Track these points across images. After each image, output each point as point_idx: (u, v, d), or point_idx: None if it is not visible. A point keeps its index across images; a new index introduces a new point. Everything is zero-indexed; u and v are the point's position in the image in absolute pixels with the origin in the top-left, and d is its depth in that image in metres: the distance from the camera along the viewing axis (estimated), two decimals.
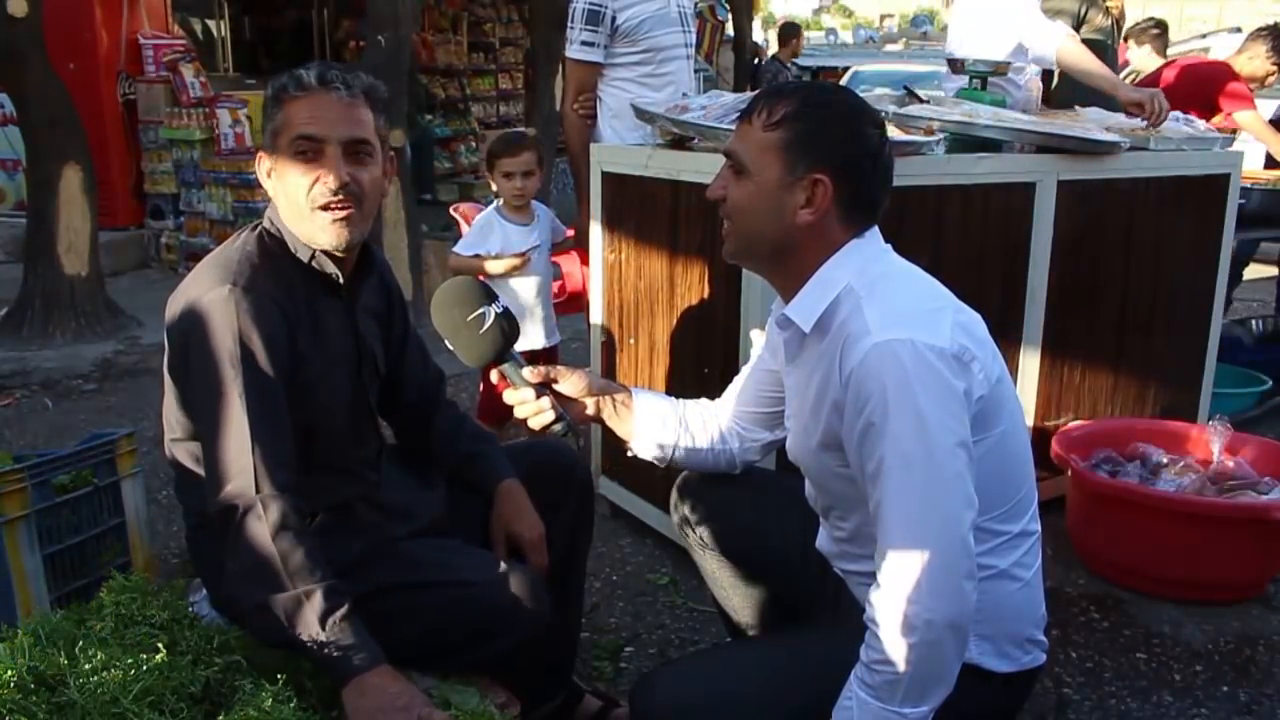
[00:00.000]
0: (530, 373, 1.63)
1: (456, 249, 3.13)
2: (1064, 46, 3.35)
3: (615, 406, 1.73)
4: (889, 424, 1.32)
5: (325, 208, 1.54)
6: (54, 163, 5.14)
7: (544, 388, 1.65)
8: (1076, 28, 4.20)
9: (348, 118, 1.54)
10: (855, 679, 1.36)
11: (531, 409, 1.62)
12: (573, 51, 3.36)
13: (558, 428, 1.63)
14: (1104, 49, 4.28)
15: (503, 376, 1.64)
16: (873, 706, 1.33)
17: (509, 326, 1.62)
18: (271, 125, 1.56)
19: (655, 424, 1.73)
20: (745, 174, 1.45)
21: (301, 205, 1.55)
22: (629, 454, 1.79)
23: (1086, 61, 3.32)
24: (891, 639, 1.30)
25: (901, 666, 1.30)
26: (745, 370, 1.77)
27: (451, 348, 1.64)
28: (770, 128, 1.43)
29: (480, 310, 1.59)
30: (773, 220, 1.44)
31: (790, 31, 10.40)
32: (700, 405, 1.78)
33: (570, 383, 1.69)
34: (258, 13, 10.51)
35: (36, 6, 4.90)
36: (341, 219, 1.55)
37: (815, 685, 1.42)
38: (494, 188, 3.12)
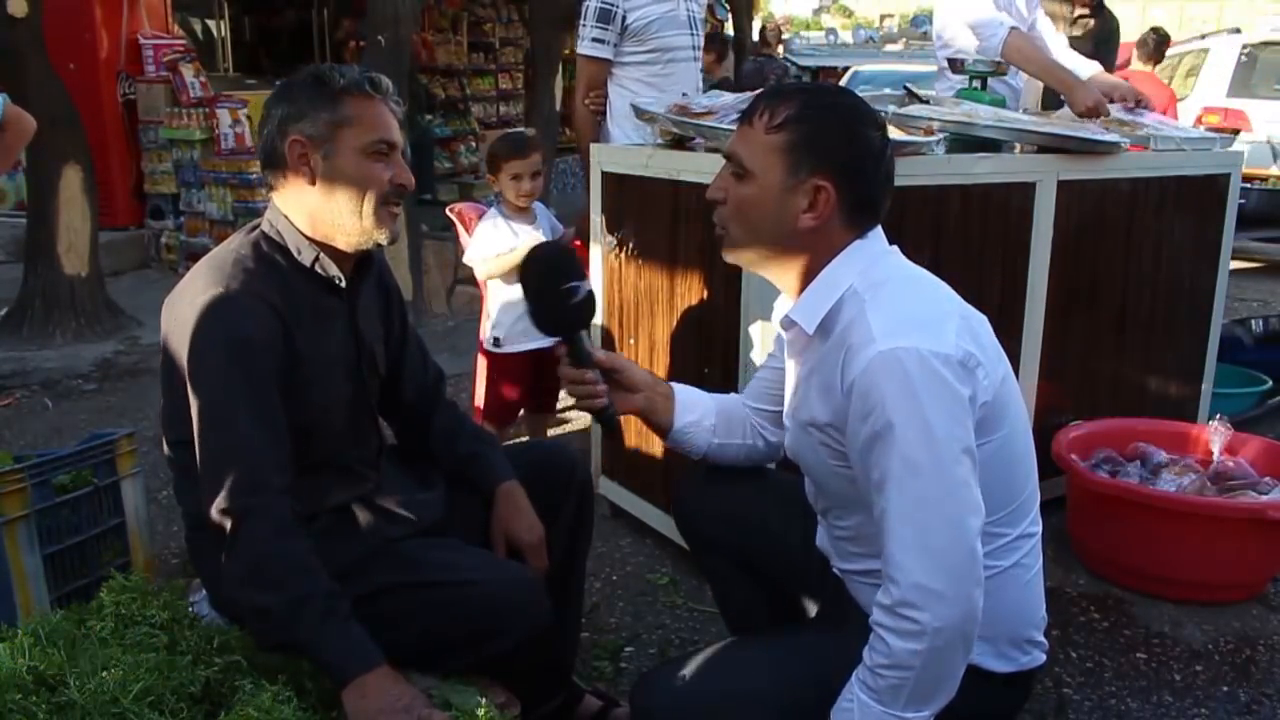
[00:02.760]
0: (600, 354, 1.67)
1: (477, 254, 3.10)
2: (1010, 43, 3.15)
3: (657, 400, 1.75)
4: (894, 432, 1.31)
5: (388, 204, 1.61)
6: (54, 163, 5.14)
7: (601, 372, 1.67)
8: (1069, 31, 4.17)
9: (398, 125, 1.64)
10: (857, 681, 1.36)
11: (588, 390, 1.64)
12: (583, 48, 3.42)
13: (605, 414, 1.67)
14: (1101, 47, 4.27)
15: (569, 351, 1.65)
16: (874, 710, 1.33)
17: (591, 307, 1.64)
18: (328, 116, 1.56)
19: (694, 419, 1.75)
20: (747, 176, 1.45)
21: (363, 200, 1.58)
22: (666, 446, 1.81)
23: (1035, 59, 3.19)
24: (899, 645, 1.30)
25: (907, 672, 1.30)
26: (760, 370, 1.79)
27: (529, 310, 1.65)
28: (772, 130, 1.42)
29: (575, 282, 1.61)
30: (775, 223, 1.44)
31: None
32: (735, 400, 1.80)
33: (629, 376, 1.71)
34: (258, 13, 10.52)
35: (36, 6, 4.90)
36: (397, 214, 1.65)
37: (815, 683, 1.42)
38: (498, 188, 3.12)
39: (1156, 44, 6.19)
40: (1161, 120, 3.24)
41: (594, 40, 3.36)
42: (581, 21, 3.39)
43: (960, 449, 1.32)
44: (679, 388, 1.77)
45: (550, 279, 1.61)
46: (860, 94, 1.63)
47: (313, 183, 1.58)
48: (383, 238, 1.63)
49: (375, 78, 1.61)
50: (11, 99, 2.86)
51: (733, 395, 1.82)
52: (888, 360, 1.32)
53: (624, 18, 3.31)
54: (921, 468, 1.31)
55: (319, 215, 1.60)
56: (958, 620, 1.30)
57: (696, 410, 1.75)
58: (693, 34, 3.44)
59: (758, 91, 1.64)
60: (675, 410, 1.75)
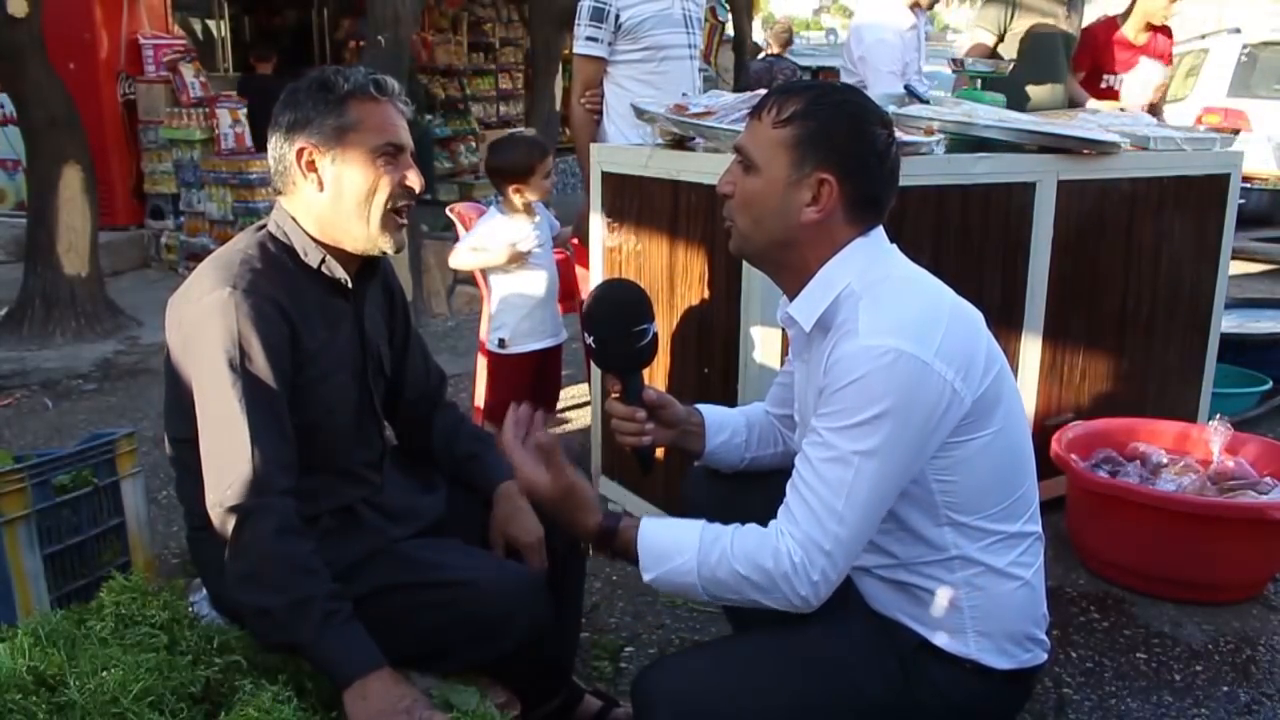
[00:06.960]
0: (650, 393, 1.68)
1: (461, 244, 3.12)
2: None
3: (691, 431, 1.77)
4: (850, 414, 1.34)
5: (397, 210, 1.60)
6: (54, 163, 5.14)
7: (647, 410, 1.68)
8: (1000, 37, 4.47)
9: (407, 129, 1.62)
10: (702, 554, 1.39)
11: (636, 428, 1.66)
12: (578, 47, 3.46)
13: (646, 452, 1.68)
14: (1055, 52, 4.42)
15: (623, 388, 1.66)
16: (689, 582, 1.40)
17: (655, 349, 1.65)
18: (334, 122, 1.55)
19: (724, 438, 1.78)
20: (754, 170, 1.46)
21: (368, 205, 1.57)
22: (695, 464, 1.83)
23: None
24: (777, 582, 1.35)
25: (751, 594, 1.37)
26: (779, 376, 1.81)
27: (593, 346, 1.65)
28: (779, 125, 1.44)
29: (645, 325, 1.62)
30: (779, 217, 1.45)
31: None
32: (759, 410, 1.82)
33: (671, 412, 1.73)
34: (258, 13, 10.50)
35: (36, 6, 4.90)
36: (404, 222, 1.63)
37: (816, 674, 1.43)
38: (516, 192, 3.09)
39: None
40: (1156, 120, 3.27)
41: (588, 39, 3.39)
42: (576, 21, 3.42)
43: (905, 448, 1.35)
44: (706, 410, 1.79)
45: (623, 320, 1.62)
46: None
47: (321, 189, 1.58)
48: (388, 246, 1.62)
49: (381, 79, 1.60)
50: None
51: (757, 405, 1.83)
52: (866, 352, 1.34)
53: (617, 16, 3.33)
54: (860, 453, 1.34)
55: (326, 220, 1.60)
56: (810, 603, 1.35)
57: (726, 430, 1.78)
58: (689, 32, 3.45)
59: (760, 90, 1.65)
60: (705, 437, 1.77)
